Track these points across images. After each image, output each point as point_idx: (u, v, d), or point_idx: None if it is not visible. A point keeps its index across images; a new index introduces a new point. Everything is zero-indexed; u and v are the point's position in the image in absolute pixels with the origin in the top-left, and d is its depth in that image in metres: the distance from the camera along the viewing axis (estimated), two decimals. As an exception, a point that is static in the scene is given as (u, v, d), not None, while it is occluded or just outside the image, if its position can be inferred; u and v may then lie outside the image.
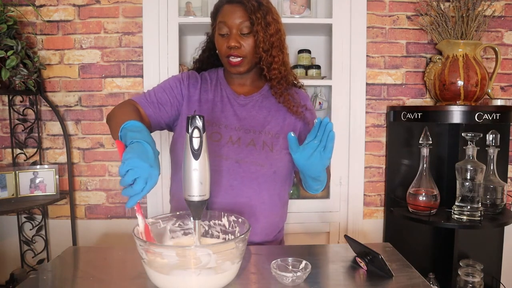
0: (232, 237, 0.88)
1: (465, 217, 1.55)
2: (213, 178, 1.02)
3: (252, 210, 1.06)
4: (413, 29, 1.83)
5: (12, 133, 1.76)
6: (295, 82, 1.18)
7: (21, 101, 1.77)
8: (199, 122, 0.75)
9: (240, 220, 0.87)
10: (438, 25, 1.70)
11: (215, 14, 1.08)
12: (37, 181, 1.70)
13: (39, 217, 1.81)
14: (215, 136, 1.05)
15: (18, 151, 1.78)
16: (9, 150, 1.77)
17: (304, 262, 0.83)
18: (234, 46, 1.02)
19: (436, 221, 1.58)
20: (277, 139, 1.08)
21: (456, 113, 1.58)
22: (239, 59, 1.03)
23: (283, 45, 1.09)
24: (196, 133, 0.74)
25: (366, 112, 1.83)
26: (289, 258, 0.84)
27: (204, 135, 0.75)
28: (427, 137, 1.60)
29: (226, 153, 1.04)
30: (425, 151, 1.61)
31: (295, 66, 1.82)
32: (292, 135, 0.90)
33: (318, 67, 1.84)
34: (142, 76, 1.79)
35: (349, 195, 1.84)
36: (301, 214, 1.81)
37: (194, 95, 1.11)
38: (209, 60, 1.19)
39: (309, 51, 1.85)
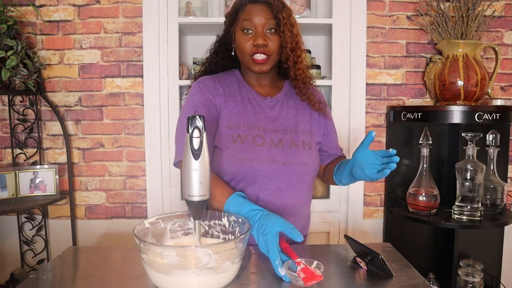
0: (232, 237, 0.88)
1: (465, 217, 1.55)
2: (261, 182, 1.02)
3: (296, 208, 1.08)
4: (413, 29, 1.83)
5: (12, 133, 1.76)
6: (310, 81, 1.19)
7: (21, 101, 1.77)
8: (199, 122, 0.75)
9: (240, 220, 0.87)
10: (438, 25, 1.70)
11: (235, 14, 1.07)
12: (37, 181, 1.70)
13: (39, 217, 1.81)
14: (258, 140, 1.04)
15: (18, 151, 1.78)
16: (9, 150, 1.77)
17: (315, 262, 0.83)
18: (262, 44, 1.02)
19: (436, 221, 1.58)
20: (311, 136, 1.10)
21: (456, 113, 1.58)
22: (264, 57, 1.03)
23: (302, 45, 1.11)
24: (196, 133, 0.74)
25: (366, 112, 1.83)
26: (302, 259, 0.84)
27: (204, 135, 0.75)
28: (427, 137, 1.60)
29: (273, 156, 1.03)
30: (425, 151, 1.61)
31: (295, 66, 1.82)
32: (373, 135, 0.92)
33: (318, 67, 1.83)
34: (142, 76, 1.79)
35: (349, 195, 1.84)
36: (301, 214, 1.81)
37: (220, 102, 1.08)
38: (223, 62, 1.17)
39: (309, 51, 1.85)
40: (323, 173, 1.20)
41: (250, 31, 1.03)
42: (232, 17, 1.08)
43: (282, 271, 0.79)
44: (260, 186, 1.03)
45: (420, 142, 1.62)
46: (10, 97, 1.75)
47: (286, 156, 1.04)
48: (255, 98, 1.10)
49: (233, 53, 1.11)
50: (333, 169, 1.11)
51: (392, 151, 0.90)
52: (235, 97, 1.09)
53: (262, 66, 1.05)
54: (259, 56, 1.03)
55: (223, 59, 1.17)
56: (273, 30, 1.04)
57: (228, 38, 1.11)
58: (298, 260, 0.82)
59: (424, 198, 1.63)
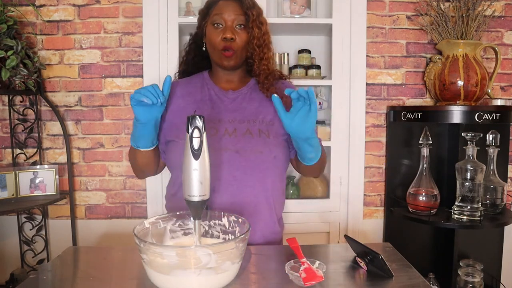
0: (232, 237, 0.88)
1: (465, 217, 1.55)
2: (215, 172, 1.02)
3: (256, 198, 1.07)
4: (413, 29, 1.83)
5: (12, 133, 1.76)
6: (281, 75, 1.21)
7: (21, 101, 1.77)
8: (199, 122, 0.75)
9: (240, 220, 0.87)
10: (438, 25, 1.70)
11: (207, 9, 1.11)
12: (37, 181, 1.70)
13: (39, 217, 1.81)
14: (211, 131, 1.06)
15: (18, 151, 1.78)
16: (9, 150, 1.77)
17: (317, 262, 0.83)
18: (230, 38, 1.04)
19: (436, 221, 1.58)
20: (271, 126, 1.10)
21: (456, 113, 1.58)
22: (231, 52, 1.06)
23: (270, 45, 1.14)
24: (196, 133, 0.74)
25: (366, 112, 1.83)
26: (306, 259, 0.84)
27: (204, 135, 0.75)
28: (427, 137, 1.60)
29: (224, 145, 1.04)
30: (425, 151, 1.61)
31: (295, 66, 1.82)
32: (275, 95, 0.93)
33: (318, 67, 1.84)
34: (142, 76, 1.79)
35: (349, 195, 1.84)
36: (301, 214, 1.81)
37: (178, 103, 1.11)
38: (194, 60, 1.20)
39: (309, 51, 1.85)
40: (296, 163, 1.19)
41: (220, 26, 1.06)
42: (204, 13, 1.12)
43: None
44: (214, 175, 1.02)
45: (420, 142, 1.62)
46: (10, 97, 1.75)
47: (238, 144, 1.04)
48: (216, 94, 1.12)
49: (204, 48, 1.14)
50: (298, 161, 1.12)
51: (294, 93, 0.90)
52: (195, 95, 1.12)
53: (230, 60, 1.07)
54: (227, 52, 1.06)
55: (193, 58, 1.19)
56: (242, 26, 1.07)
57: (200, 35, 1.14)
58: (303, 260, 0.82)
59: (424, 198, 1.63)
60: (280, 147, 1.10)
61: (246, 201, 1.05)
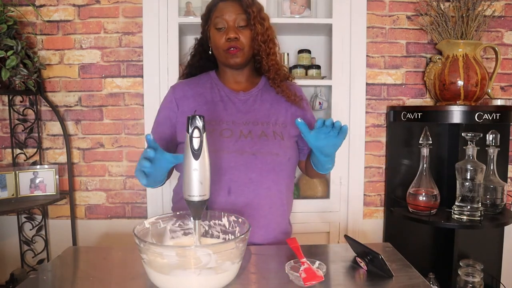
0: (232, 237, 0.88)
1: (465, 217, 1.55)
2: (231, 173, 1.03)
3: (272, 200, 1.07)
4: (413, 29, 1.83)
5: (12, 133, 1.76)
6: (287, 75, 1.20)
7: (21, 101, 1.77)
8: (199, 122, 0.75)
9: (240, 220, 0.87)
10: (438, 25, 1.70)
11: (208, 13, 1.11)
12: (37, 181, 1.71)
13: (39, 217, 1.81)
14: (226, 133, 1.05)
15: (18, 151, 1.78)
16: (9, 150, 1.77)
17: (317, 262, 0.83)
18: (234, 38, 1.04)
19: (436, 221, 1.58)
20: (285, 128, 1.10)
21: (456, 113, 1.58)
22: (238, 49, 1.06)
23: (275, 40, 1.14)
24: (196, 133, 0.74)
25: (366, 112, 1.83)
26: (306, 259, 0.84)
27: (204, 135, 0.75)
28: (427, 137, 1.60)
29: (241, 147, 1.04)
30: (425, 151, 1.61)
31: (295, 66, 1.82)
32: (299, 120, 0.88)
33: (318, 67, 1.84)
34: (142, 76, 1.79)
35: (349, 195, 1.84)
36: (301, 214, 1.81)
37: (189, 104, 1.11)
38: (200, 63, 1.20)
39: (309, 51, 1.85)
40: (305, 167, 1.19)
41: (223, 27, 1.06)
42: (206, 17, 1.12)
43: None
44: (230, 177, 1.03)
45: (420, 142, 1.62)
46: (10, 97, 1.75)
47: (255, 147, 1.04)
48: (227, 95, 1.12)
49: (210, 52, 1.14)
50: (310, 168, 1.12)
51: (327, 122, 0.86)
52: (206, 96, 1.12)
53: (236, 58, 1.07)
54: (232, 49, 1.06)
55: (199, 60, 1.20)
56: (244, 25, 1.07)
57: (205, 38, 1.15)
58: (303, 260, 0.82)
59: (424, 198, 1.63)
60: (293, 149, 1.11)
61: (262, 203, 1.05)
